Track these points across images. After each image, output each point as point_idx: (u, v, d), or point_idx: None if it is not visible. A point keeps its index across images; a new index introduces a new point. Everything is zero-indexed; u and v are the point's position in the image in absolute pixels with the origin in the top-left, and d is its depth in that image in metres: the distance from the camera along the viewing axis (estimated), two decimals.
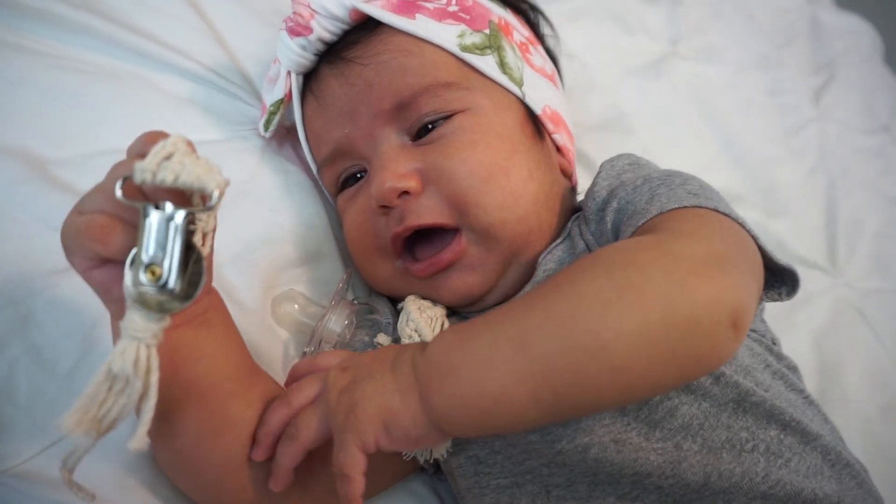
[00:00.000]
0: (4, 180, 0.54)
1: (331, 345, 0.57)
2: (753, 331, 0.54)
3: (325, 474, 0.45)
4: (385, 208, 0.53)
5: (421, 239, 0.54)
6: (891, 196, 1.01)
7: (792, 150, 0.98)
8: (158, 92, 0.62)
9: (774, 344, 0.56)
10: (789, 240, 0.89)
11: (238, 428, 0.46)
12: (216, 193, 0.37)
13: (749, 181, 0.92)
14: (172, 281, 0.37)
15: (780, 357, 0.55)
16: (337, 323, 0.57)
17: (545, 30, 0.67)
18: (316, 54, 0.57)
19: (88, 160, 0.57)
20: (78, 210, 0.40)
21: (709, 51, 1.01)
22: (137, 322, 0.36)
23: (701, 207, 0.47)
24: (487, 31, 0.57)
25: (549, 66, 0.64)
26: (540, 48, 0.64)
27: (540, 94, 0.59)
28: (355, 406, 0.42)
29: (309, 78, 0.59)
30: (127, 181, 0.37)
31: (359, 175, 0.58)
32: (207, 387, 0.44)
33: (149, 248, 0.36)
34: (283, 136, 0.65)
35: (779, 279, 0.52)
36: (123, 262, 0.37)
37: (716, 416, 0.47)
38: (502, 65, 0.57)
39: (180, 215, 0.37)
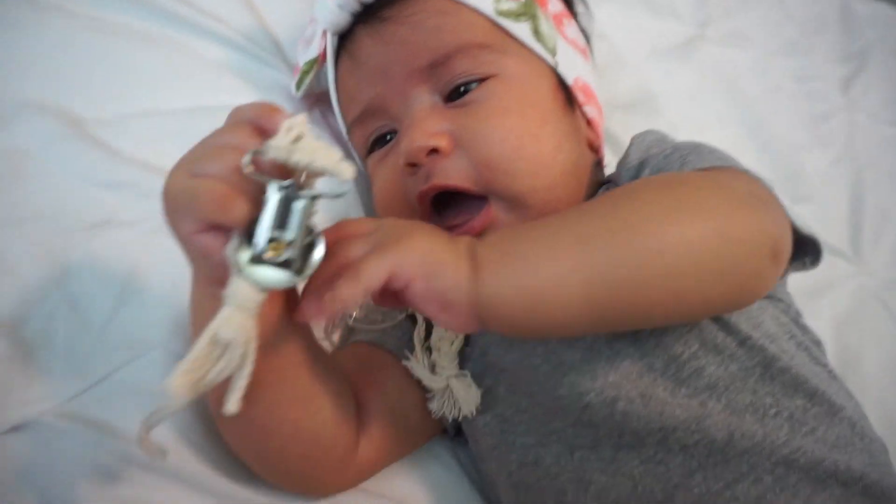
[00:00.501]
0: (45, 137, 0.56)
1: (352, 316, 0.57)
2: (780, 300, 0.54)
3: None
4: (413, 167, 0.53)
5: (448, 204, 0.54)
6: None
7: (819, 138, 0.98)
8: (193, 56, 0.64)
9: (799, 316, 0.56)
10: (813, 226, 0.87)
11: (311, 400, 0.46)
12: (350, 182, 0.39)
13: (774, 167, 0.91)
14: (294, 255, 0.37)
15: (804, 329, 0.55)
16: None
17: (578, 7, 0.67)
18: (352, 14, 0.57)
19: (126, 121, 0.59)
20: (190, 171, 0.38)
21: (737, 35, 1.01)
22: (245, 292, 0.36)
23: (733, 168, 0.49)
24: (523, 0, 0.57)
25: (581, 40, 0.64)
26: (573, 22, 0.64)
27: (572, 65, 0.60)
28: (410, 237, 0.39)
29: (343, 39, 0.59)
30: (254, 155, 0.37)
31: (388, 137, 0.58)
32: (285, 355, 0.44)
33: (276, 224, 0.37)
34: (313, 102, 0.66)
35: (801, 250, 0.52)
36: (231, 231, 0.37)
37: (742, 380, 0.48)
38: (537, 32, 0.57)
39: (307, 196, 0.37)
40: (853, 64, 1.09)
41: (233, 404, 0.37)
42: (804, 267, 0.53)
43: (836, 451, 0.46)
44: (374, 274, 0.38)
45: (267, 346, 0.41)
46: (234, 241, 0.37)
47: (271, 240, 0.37)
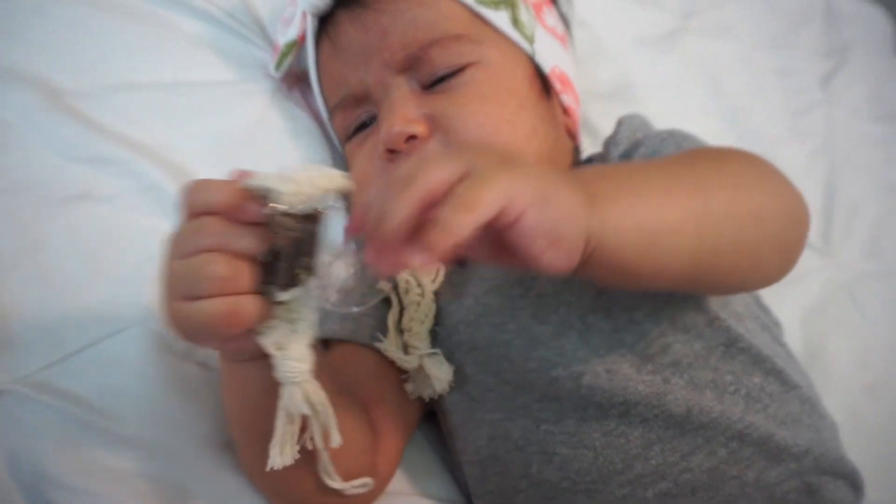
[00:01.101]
0: (23, 109, 0.56)
1: (335, 290, 0.58)
2: None
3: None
4: (392, 153, 0.54)
5: None
6: (891, 183, 1.01)
7: (797, 131, 0.99)
8: (174, 30, 0.63)
9: (759, 297, 0.58)
10: None
11: (346, 436, 0.45)
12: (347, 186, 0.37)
13: None
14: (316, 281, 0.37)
15: (765, 311, 0.57)
16: (341, 269, 0.58)
17: None
18: None
19: (106, 93, 0.58)
20: (186, 296, 0.36)
21: (721, 27, 1.01)
22: (294, 369, 0.38)
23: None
24: None
25: (560, 27, 0.65)
26: (553, 10, 0.65)
27: (550, 54, 0.60)
28: (519, 166, 0.33)
29: (324, 21, 0.59)
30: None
31: (368, 123, 0.59)
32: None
33: (295, 260, 0.35)
34: (293, 81, 0.66)
35: None
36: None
37: (705, 358, 0.49)
38: (515, 21, 0.58)
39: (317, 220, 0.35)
40: (834, 60, 1.10)
41: (335, 439, 0.42)
42: None
43: (783, 427, 0.49)
44: (490, 199, 0.31)
45: None
46: (262, 329, 0.37)
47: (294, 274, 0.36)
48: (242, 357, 0.41)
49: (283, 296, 0.36)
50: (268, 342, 0.38)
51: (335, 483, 0.44)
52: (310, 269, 0.36)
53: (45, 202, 0.54)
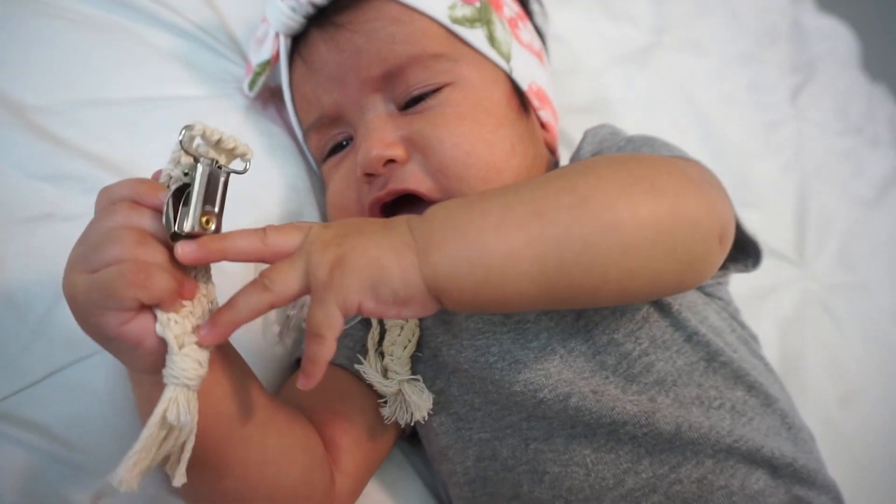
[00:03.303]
0: None
1: None
2: (720, 298, 0.57)
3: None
4: (370, 176, 0.54)
5: (402, 211, 0.54)
6: (860, 196, 1.04)
7: (768, 146, 1.01)
8: (144, 44, 0.62)
9: (737, 313, 0.59)
10: (760, 231, 0.89)
11: (280, 458, 0.45)
12: (249, 154, 0.40)
13: (725, 173, 0.91)
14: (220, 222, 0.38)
15: (742, 325, 0.58)
16: None
17: (534, 6, 0.68)
18: (305, 17, 0.57)
19: (71, 109, 0.56)
20: (88, 268, 0.37)
21: (693, 44, 1.03)
22: (188, 368, 0.37)
23: (686, 156, 0.51)
24: (478, 5, 0.58)
25: (536, 42, 0.65)
26: (529, 24, 0.65)
27: (527, 70, 0.60)
28: (342, 261, 0.38)
29: (297, 41, 0.58)
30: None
31: (344, 143, 0.58)
32: (245, 418, 0.43)
33: (202, 199, 0.38)
34: (268, 97, 0.65)
35: (744, 252, 0.54)
36: (152, 309, 0.37)
37: (688, 374, 0.49)
38: (491, 39, 0.58)
39: (227, 171, 0.39)
40: (802, 75, 1.12)
41: (180, 478, 0.38)
42: (746, 269, 0.56)
43: (768, 439, 0.49)
44: (328, 323, 0.38)
45: (227, 416, 0.40)
46: (161, 316, 0.37)
47: (203, 213, 0.38)
48: (144, 364, 0.38)
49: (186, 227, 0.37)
50: (169, 335, 0.36)
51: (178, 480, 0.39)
52: (209, 218, 0.38)
53: (7, 222, 0.51)
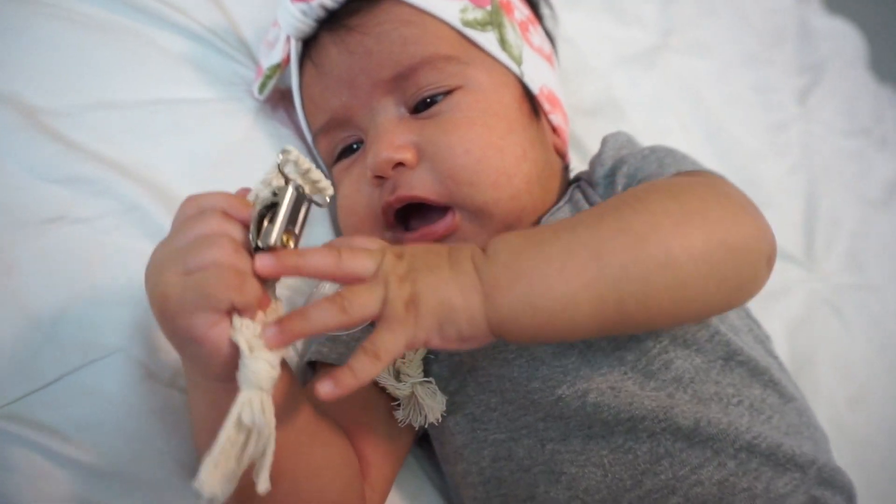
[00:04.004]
0: None
1: None
2: None
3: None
4: (379, 179, 0.54)
5: (413, 215, 0.55)
6: (868, 197, 1.03)
7: (775, 147, 1.01)
8: (154, 48, 0.62)
9: (750, 312, 0.59)
10: None
11: (326, 470, 0.46)
12: (330, 191, 0.43)
13: (733, 174, 0.91)
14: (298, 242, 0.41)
15: (757, 324, 0.58)
16: (332, 289, 0.57)
17: (544, 10, 0.68)
18: (316, 20, 0.57)
19: (82, 111, 0.56)
20: (184, 269, 0.38)
21: (700, 45, 1.03)
22: (262, 372, 0.38)
23: (716, 174, 0.52)
24: (489, 8, 0.57)
25: (547, 46, 0.65)
26: (539, 28, 0.65)
27: (538, 74, 0.60)
28: (417, 300, 0.40)
29: (308, 45, 0.58)
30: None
31: (355, 146, 0.58)
32: (298, 429, 0.44)
33: (287, 218, 0.40)
34: (278, 99, 0.65)
35: None
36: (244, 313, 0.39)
37: (706, 372, 0.50)
38: (503, 42, 0.57)
39: (311, 199, 0.42)
40: (809, 76, 1.12)
41: (264, 483, 0.38)
42: None
43: (788, 438, 0.49)
44: (392, 351, 0.40)
45: (283, 423, 0.41)
46: (237, 322, 0.38)
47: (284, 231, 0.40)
48: (216, 370, 0.39)
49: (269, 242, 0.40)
50: (241, 339, 0.38)
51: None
52: (289, 236, 0.41)
53: (19, 224, 0.51)
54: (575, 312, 0.42)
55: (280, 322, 0.39)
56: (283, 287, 0.59)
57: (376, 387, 0.52)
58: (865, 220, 0.99)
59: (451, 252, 0.43)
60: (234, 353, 0.38)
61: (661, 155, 0.54)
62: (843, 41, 1.21)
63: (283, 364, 0.42)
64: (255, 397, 0.37)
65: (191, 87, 0.62)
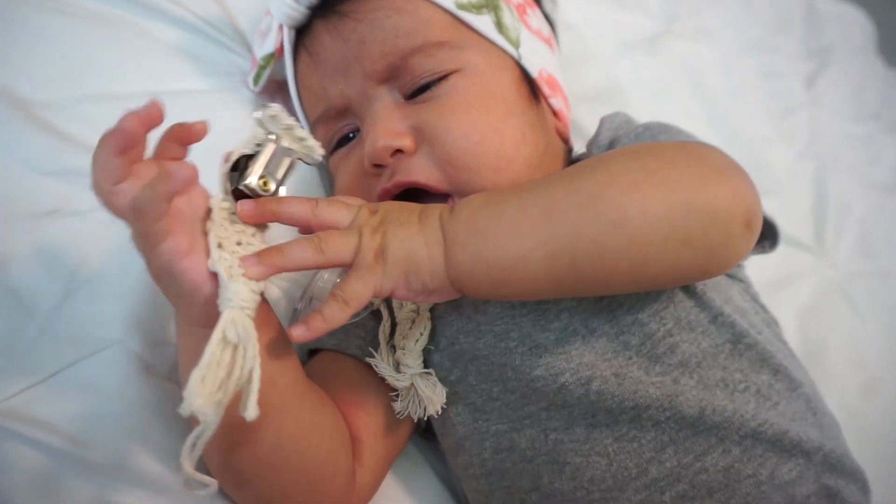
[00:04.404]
0: None
1: (321, 302, 0.56)
2: (741, 280, 0.56)
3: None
4: (378, 167, 0.53)
5: (411, 199, 0.54)
6: (878, 182, 1.02)
7: (783, 133, 0.99)
8: (148, 38, 0.61)
9: (758, 296, 0.57)
10: (777, 219, 0.88)
11: (312, 433, 0.46)
12: (319, 151, 0.44)
13: (739, 160, 0.92)
14: (278, 190, 0.43)
15: (764, 308, 0.57)
16: (329, 281, 0.56)
17: None
18: (309, 7, 0.56)
19: (75, 104, 0.56)
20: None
21: (704, 31, 1.01)
22: (242, 293, 0.39)
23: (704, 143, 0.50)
24: None
25: (545, 29, 0.63)
26: (537, 11, 0.64)
27: (536, 57, 0.59)
28: (385, 251, 0.42)
29: (301, 33, 0.57)
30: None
31: (351, 135, 0.57)
32: (285, 387, 0.44)
33: (266, 167, 0.42)
34: (275, 90, 0.64)
35: (760, 234, 0.53)
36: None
37: (713, 357, 0.49)
38: (499, 25, 0.56)
39: (293, 154, 0.44)
40: (816, 61, 1.10)
41: (252, 409, 0.38)
42: (763, 250, 0.55)
43: (794, 424, 0.48)
44: (360, 297, 0.42)
45: (269, 382, 0.41)
46: (214, 254, 0.40)
47: (262, 176, 0.42)
48: (199, 313, 0.41)
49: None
50: (220, 267, 0.39)
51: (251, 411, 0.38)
52: (266, 181, 0.43)
53: (13, 218, 0.51)
54: (527, 269, 0.42)
55: (259, 253, 0.41)
56: (282, 279, 0.58)
57: (374, 375, 0.52)
58: (875, 205, 0.98)
59: (422, 209, 0.45)
60: (215, 290, 0.39)
61: (655, 132, 0.53)
62: (851, 26, 1.19)
63: (269, 315, 0.44)
64: (238, 315, 0.39)
65: (186, 79, 0.61)
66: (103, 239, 0.52)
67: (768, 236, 0.55)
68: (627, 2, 0.96)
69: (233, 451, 0.44)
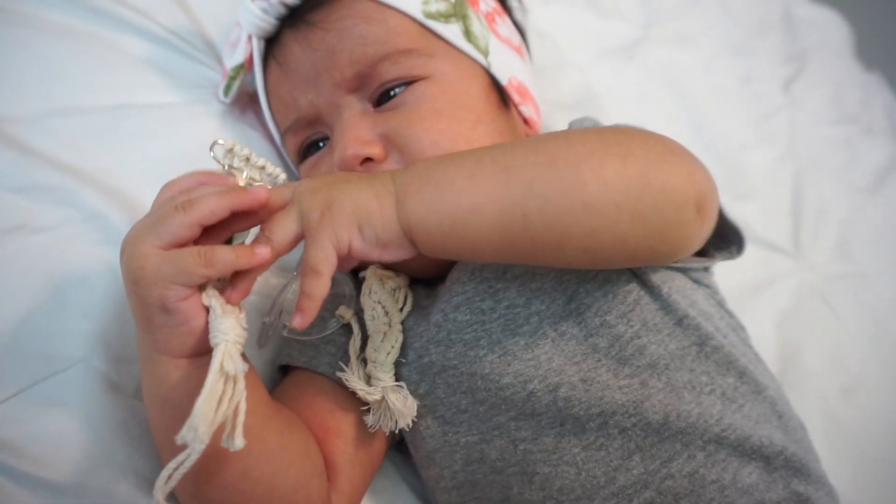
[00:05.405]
0: None
1: (291, 315, 0.56)
2: (707, 286, 0.56)
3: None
4: None
5: None
6: (856, 185, 1.02)
7: (761, 137, 1.00)
8: (117, 52, 0.61)
9: (724, 302, 0.58)
10: (755, 223, 0.89)
11: (279, 457, 0.46)
12: (282, 176, 0.46)
13: (718, 164, 0.92)
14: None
15: (730, 314, 0.57)
16: (297, 293, 0.56)
17: (512, 2, 0.67)
18: (278, 18, 0.56)
19: (44, 118, 0.56)
20: (158, 244, 0.41)
21: (682, 36, 1.02)
22: (236, 328, 0.41)
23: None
24: (453, 0, 0.57)
25: (516, 37, 0.64)
26: (507, 19, 0.64)
27: (506, 65, 0.59)
28: (332, 203, 0.42)
29: (271, 43, 0.58)
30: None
31: (321, 143, 0.57)
32: (251, 410, 0.43)
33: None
34: (246, 102, 0.64)
35: (727, 240, 0.54)
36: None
37: (680, 359, 0.49)
38: (467, 33, 0.57)
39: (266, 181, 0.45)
40: (795, 65, 1.11)
41: (239, 439, 0.40)
42: (731, 256, 0.55)
43: (759, 427, 0.49)
44: (324, 259, 0.42)
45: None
46: (209, 290, 0.42)
47: None
48: (181, 344, 0.42)
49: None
50: (214, 303, 0.41)
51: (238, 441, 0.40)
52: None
53: None
54: (480, 221, 0.42)
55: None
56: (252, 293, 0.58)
57: (346, 391, 0.51)
58: (854, 208, 0.98)
59: (373, 174, 0.46)
60: (202, 323, 0.41)
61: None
62: (828, 29, 1.20)
63: None
64: (234, 349, 0.40)
65: (155, 92, 0.61)
66: (69, 255, 0.51)
67: (734, 241, 0.55)
68: (604, 9, 0.96)
69: (203, 479, 0.44)
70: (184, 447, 0.38)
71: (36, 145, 0.55)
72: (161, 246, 0.41)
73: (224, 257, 0.41)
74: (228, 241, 0.44)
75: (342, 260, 0.43)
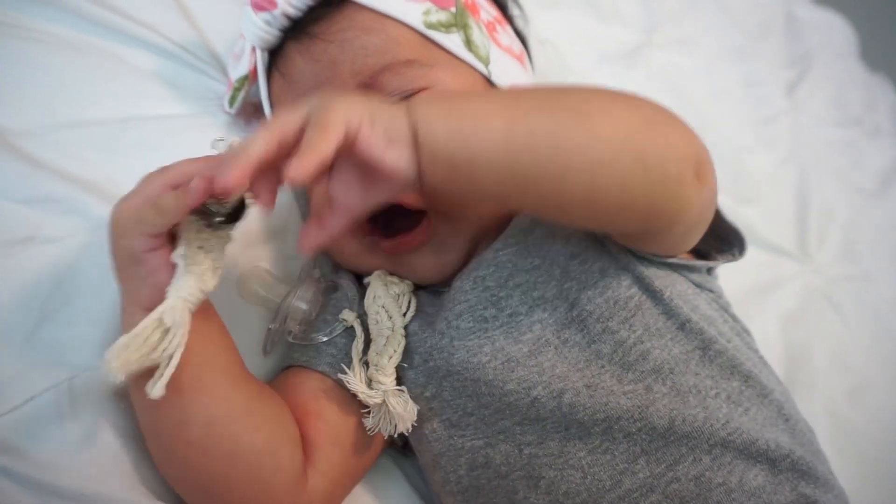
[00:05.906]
0: None
1: (296, 321, 0.57)
2: (710, 290, 0.56)
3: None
4: None
5: (386, 220, 0.54)
6: (861, 187, 1.02)
7: (764, 140, 1.00)
8: (123, 65, 0.62)
9: (728, 306, 0.58)
10: (760, 226, 0.90)
11: (245, 418, 0.47)
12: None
13: (721, 168, 0.89)
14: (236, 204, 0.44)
15: (734, 318, 0.57)
16: (302, 299, 0.57)
17: (514, 10, 0.67)
18: (281, 30, 0.57)
19: (51, 131, 0.56)
20: (136, 200, 0.44)
21: (683, 41, 1.02)
22: (191, 286, 0.42)
23: None
24: (454, 10, 0.57)
25: (517, 46, 0.64)
26: (508, 28, 0.64)
27: (507, 74, 0.60)
28: (344, 97, 0.42)
29: (274, 55, 0.58)
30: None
31: None
32: (218, 370, 0.46)
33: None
34: (251, 113, 0.65)
35: (728, 242, 0.55)
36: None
37: (685, 363, 0.49)
38: (468, 43, 0.57)
39: None
40: (798, 68, 1.11)
41: (159, 388, 0.41)
42: (733, 258, 0.56)
43: (765, 430, 0.49)
44: (335, 120, 0.39)
45: (201, 363, 0.43)
46: (179, 248, 0.43)
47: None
48: (146, 297, 0.44)
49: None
50: (179, 259, 0.43)
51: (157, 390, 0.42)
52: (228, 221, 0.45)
53: None
54: (484, 128, 0.42)
55: (226, 167, 0.39)
56: (257, 300, 0.58)
57: (344, 390, 0.52)
58: (859, 210, 0.98)
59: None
60: (167, 278, 0.43)
61: None
62: (831, 32, 1.20)
63: (210, 310, 0.47)
64: (180, 304, 0.42)
65: (162, 104, 0.62)
66: (78, 265, 0.52)
67: (735, 243, 0.56)
68: (605, 14, 0.97)
69: (167, 434, 0.45)
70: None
71: (43, 157, 0.55)
72: (138, 202, 0.43)
73: (167, 203, 0.42)
74: (242, 204, 0.45)
75: (347, 149, 0.40)
